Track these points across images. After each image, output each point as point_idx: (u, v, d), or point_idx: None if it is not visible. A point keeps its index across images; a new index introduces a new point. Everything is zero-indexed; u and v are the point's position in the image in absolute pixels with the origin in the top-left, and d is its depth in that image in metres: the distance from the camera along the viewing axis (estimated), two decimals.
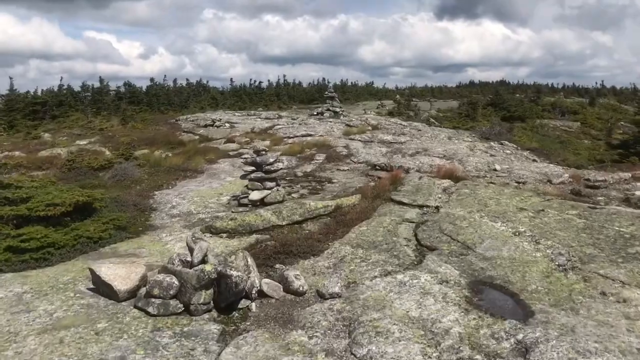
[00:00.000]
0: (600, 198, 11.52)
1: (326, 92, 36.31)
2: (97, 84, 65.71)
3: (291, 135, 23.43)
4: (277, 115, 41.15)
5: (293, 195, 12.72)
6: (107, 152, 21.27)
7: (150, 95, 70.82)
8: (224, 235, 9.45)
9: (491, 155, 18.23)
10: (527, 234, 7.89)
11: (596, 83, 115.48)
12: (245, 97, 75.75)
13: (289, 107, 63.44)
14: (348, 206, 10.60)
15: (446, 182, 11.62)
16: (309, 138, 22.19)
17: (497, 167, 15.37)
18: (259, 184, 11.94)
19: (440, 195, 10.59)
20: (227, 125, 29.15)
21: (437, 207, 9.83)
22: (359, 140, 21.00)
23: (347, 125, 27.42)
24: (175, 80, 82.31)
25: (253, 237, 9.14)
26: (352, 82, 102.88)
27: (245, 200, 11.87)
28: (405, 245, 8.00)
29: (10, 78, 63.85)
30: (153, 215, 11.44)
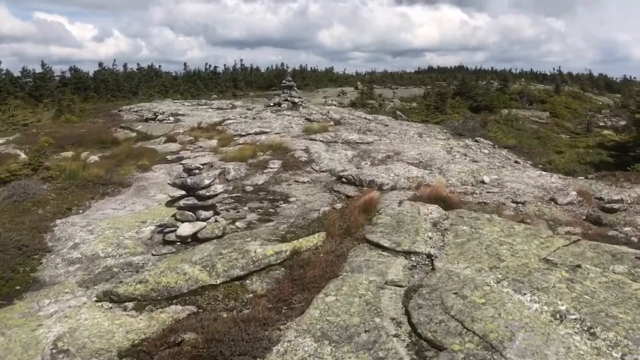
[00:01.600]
0: (627, 229, 9.11)
1: (284, 81, 33.20)
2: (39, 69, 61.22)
3: (243, 133, 20.47)
4: (230, 105, 37.99)
5: (238, 224, 9.88)
6: (23, 156, 17.93)
7: (98, 81, 66.39)
8: (130, 305, 6.58)
9: (473, 161, 15.75)
10: (573, 317, 5.32)
11: (553, 69, 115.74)
12: (200, 82, 72.02)
13: (246, 95, 60.34)
14: (309, 250, 7.87)
15: (434, 210, 9.00)
16: (263, 137, 19.28)
17: (485, 178, 12.88)
18: (191, 213, 9.06)
19: (430, 235, 7.95)
20: (172, 119, 25.88)
21: (430, 257, 7.17)
22: (321, 140, 18.21)
23: (307, 119, 24.60)
24: (125, 65, 77.90)
25: (170, 312, 6.28)
26: (311, 67, 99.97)
27: (172, 236, 8.98)
28: (395, 336, 5.31)
29: None
30: (44, 262, 8.43)
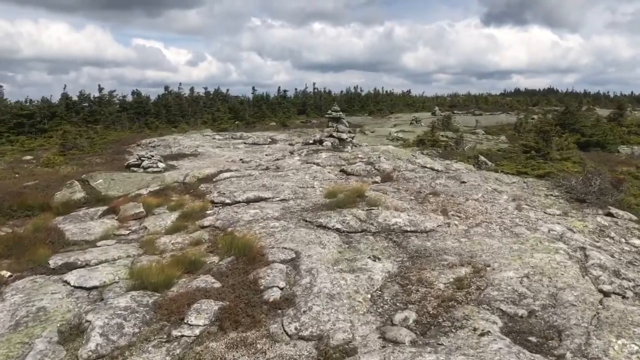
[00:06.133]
0: None
1: (329, 111, 25.38)
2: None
3: (228, 200, 12.91)
4: (269, 140, 30.96)
5: None
6: None
7: (160, 106, 62.59)
8: None
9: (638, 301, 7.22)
10: None
11: None
12: (266, 108, 66.31)
13: (308, 122, 53.68)
14: None
15: None
16: (250, 212, 11.60)
17: None
18: None
19: None
20: (162, 165, 18.82)
21: None
22: (337, 228, 10.24)
23: (344, 171, 16.76)
24: (192, 89, 74.13)
25: None
26: (387, 91, 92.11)
27: None
28: None
29: (0, 86, 56.16)
30: None
